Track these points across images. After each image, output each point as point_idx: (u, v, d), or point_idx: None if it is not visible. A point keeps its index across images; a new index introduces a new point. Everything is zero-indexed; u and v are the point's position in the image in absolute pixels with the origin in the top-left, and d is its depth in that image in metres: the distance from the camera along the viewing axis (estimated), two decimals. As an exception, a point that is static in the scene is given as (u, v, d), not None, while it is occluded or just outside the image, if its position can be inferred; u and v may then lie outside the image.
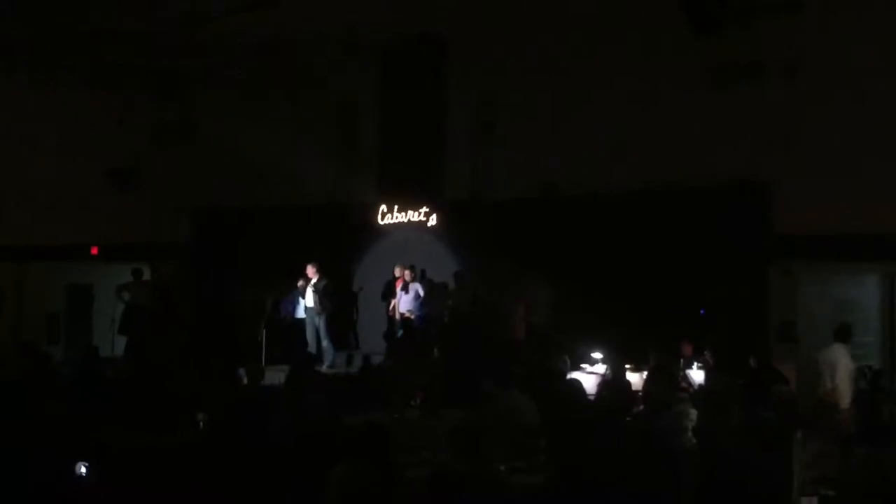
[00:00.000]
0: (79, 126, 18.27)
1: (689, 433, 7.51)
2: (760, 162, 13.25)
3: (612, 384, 9.68)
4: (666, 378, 8.71)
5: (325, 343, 14.78)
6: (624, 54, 14.27)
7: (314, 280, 14.79)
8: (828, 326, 11.72)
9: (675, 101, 13.82)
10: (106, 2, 14.02)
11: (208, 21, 13.88)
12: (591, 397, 8.97)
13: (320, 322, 14.80)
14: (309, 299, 14.83)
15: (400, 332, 14.71)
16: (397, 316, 15.18)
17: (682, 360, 12.19)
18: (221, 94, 17.49)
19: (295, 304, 15.61)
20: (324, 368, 14.11)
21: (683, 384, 10.98)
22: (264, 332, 14.91)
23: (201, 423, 8.02)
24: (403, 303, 15.12)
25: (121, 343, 15.81)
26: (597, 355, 12.27)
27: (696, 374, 11.75)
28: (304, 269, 14.94)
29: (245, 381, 9.66)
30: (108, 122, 17.95)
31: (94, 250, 18.96)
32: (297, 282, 15.22)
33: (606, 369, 11.59)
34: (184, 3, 13.49)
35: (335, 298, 15.15)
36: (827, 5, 12.68)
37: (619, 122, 14.28)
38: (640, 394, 9.16)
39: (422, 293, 14.96)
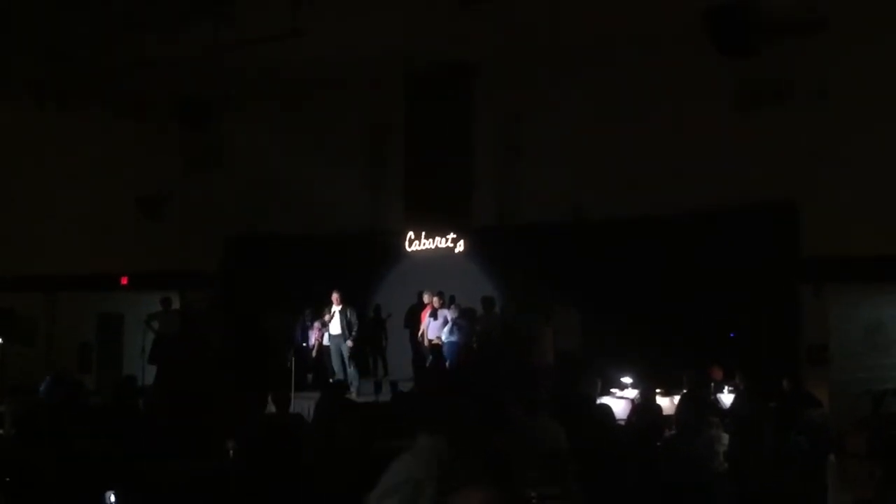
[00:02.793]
0: (109, 155, 18.48)
1: (722, 458, 7.45)
2: (789, 183, 13.17)
3: (643, 409, 9.62)
4: (697, 403, 8.64)
5: (350, 369, 14.80)
6: (652, 77, 14.28)
7: (339, 307, 14.82)
8: (860, 349, 11.58)
9: (704, 123, 13.78)
10: (135, 31, 14.13)
11: (237, 49, 13.98)
12: (622, 422, 8.91)
13: (345, 348, 14.82)
14: (335, 326, 14.85)
15: (429, 359, 14.68)
16: (426, 342, 15.16)
17: (712, 385, 12.10)
18: (250, 122, 17.63)
19: (308, 331, 15.69)
20: (351, 394, 14.11)
21: (714, 408, 10.89)
22: (293, 359, 14.93)
23: (231, 452, 8.01)
24: (432, 329, 15.08)
25: (151, 372, 15.88)
26: (627, 380, 12.21)
27: (727, 399, 11.66)
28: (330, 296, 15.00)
29: (273, 408, 9.66)
30: (139, 151, 18.13)
31: (125, 280, 19.10)
32: (325, 309, 15.25)
33: (637, 394, 11.52)
34: (212, 31, 13.58)
35: (360, 325, 15.18)
36: (854, 25, 12.63)
37: (648, 144, 14.26)
38: (672, 418, 9.09)
39: (450, 319, 14.93)
